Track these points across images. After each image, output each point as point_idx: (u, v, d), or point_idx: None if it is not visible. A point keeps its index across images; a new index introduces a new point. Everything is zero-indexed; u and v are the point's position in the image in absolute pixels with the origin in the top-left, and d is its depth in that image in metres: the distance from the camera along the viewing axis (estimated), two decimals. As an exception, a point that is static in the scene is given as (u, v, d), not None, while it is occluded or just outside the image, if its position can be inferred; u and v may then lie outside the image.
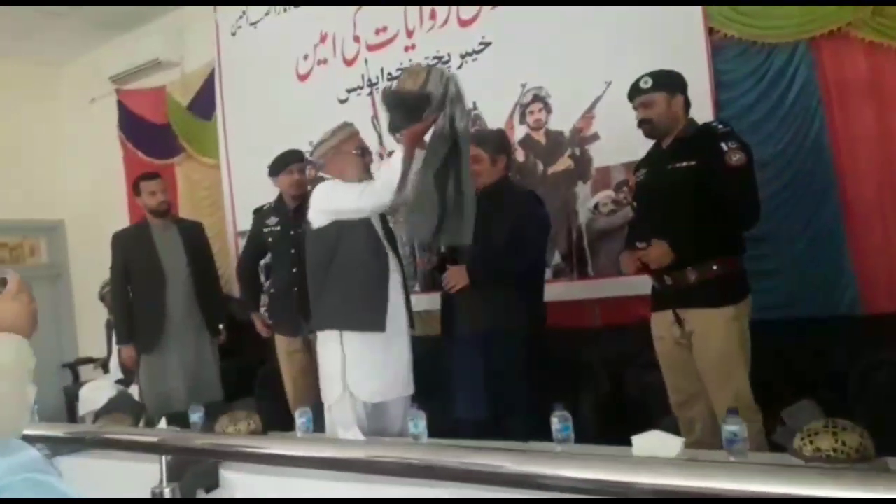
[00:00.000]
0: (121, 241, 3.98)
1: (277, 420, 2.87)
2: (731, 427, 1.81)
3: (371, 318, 2.73)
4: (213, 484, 2.00)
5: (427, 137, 2.50)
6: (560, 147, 3.80)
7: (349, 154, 2.86)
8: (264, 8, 5.03)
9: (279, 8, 4.95)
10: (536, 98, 3.87)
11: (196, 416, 2.78)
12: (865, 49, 3.03)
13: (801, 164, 3.18)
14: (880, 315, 3.01)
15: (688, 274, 2.55)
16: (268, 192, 3.87)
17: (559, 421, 2.05)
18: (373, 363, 2.74)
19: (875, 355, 2.76)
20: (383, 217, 2.95)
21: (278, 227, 3.62)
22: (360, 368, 2.73)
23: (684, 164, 2.58)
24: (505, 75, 3.90)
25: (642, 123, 2.69)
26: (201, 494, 1.97)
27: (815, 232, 3.17)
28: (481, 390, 2.84)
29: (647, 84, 2.65)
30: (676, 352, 2.66)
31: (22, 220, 6.34)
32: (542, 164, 3.87)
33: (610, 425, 2.95)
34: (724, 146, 2.50)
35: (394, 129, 2.51)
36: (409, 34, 4.31)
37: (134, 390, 3.97)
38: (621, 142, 3.36)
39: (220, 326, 4.09)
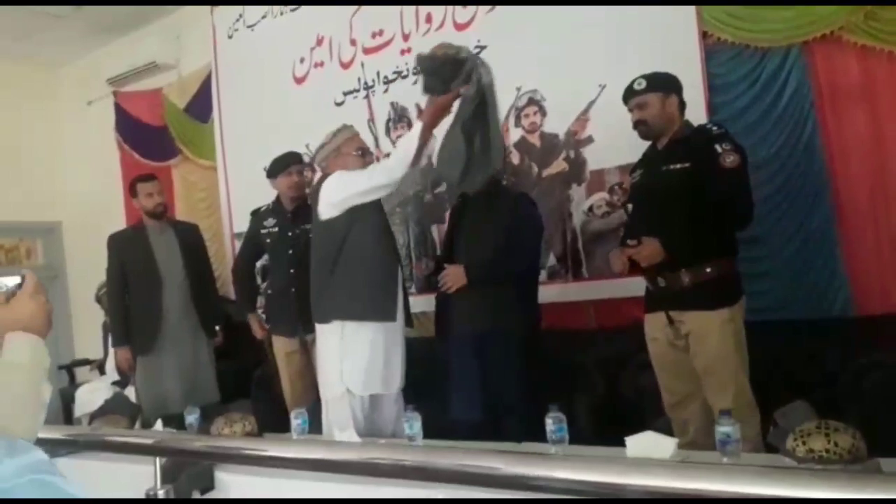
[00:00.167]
0: (117, 243, 3.97)
1: (273, 422, 2.88)
2: (724, 428, 1.81)
3: (383, 308, 2.76)
4: (209, 486, 1.99)
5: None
6: (555, 150, 3.82)
7: (350, 155, 2.90)
8: (261, 11, 5.03)
9: (276, 11, 4.96)
10: (531, 101, 3.88)
11: (192, 418, 2.78)
12: (857, 53, 3.04)
13: (793, 167, 3.19)
14: (872, 317, 3.03)
15: (681, 276, 2.54)
16: (264, 194, 3.88)
17: (554, 422, 2.06)
18: (370, 356, 2.75)
19: (867, 357, 2.77)
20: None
21: (276, 229, 3.62)
22: (356, 361, 2.74)
23: (679, 165, 2.58)
24: (500, 78, 3.87)
25: (638, 125, 2.70)
26: (196, 496, 1.97)
27: (807, 234, 3.18)
28: (477, 391, 2.86)
29: (640, 86, 2.66)
30: (670, 353, 2.66)
31: (19, 222, 6.32)
32: (536, 167, 3.89)
33: (604, 426, 2.96)
34: (718, 148, 2.51)
35: (429, 90, 2.67)
36: (405, 38, 4.32)
37: (130, 392, 3.96)
38: (616, 145, 3.37)
39: (217, 328, 4.08)
